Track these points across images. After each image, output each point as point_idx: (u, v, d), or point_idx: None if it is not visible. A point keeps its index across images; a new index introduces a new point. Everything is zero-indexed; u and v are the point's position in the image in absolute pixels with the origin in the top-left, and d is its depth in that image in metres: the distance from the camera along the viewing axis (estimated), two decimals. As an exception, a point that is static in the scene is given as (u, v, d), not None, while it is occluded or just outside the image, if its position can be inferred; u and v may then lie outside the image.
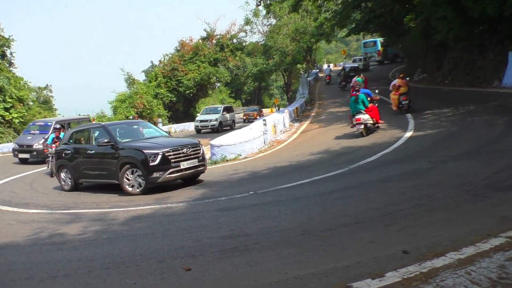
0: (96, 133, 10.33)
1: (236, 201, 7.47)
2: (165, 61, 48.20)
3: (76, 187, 10.60)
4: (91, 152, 10.12)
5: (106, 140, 9.67)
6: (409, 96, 15.25)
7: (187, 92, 44.69)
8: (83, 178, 10.54)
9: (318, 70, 53.17)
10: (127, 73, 45.40)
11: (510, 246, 3.45)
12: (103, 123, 11.91)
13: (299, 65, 48.17)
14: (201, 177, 10.50)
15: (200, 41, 48.58)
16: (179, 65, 45.45)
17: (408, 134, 11.58)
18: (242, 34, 51.90)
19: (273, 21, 51.73)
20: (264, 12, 49.77)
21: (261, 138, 15.72)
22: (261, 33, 54.16)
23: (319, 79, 45.49)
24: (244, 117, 39.41)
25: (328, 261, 3.97)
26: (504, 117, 11.17)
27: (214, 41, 48.84)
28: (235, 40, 50.50)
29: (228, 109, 31.40)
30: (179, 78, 44.66)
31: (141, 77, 56.04)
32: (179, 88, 44.70)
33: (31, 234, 6.67)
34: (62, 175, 10.87)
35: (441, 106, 15.40)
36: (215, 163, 13.58)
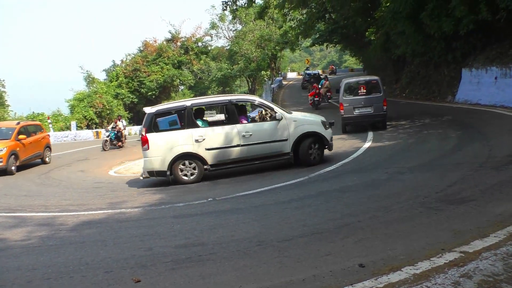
0: None
1: (194, 208, 7.26)
2: (127, 61, 47.00)
3: None
4: None
5: None
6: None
7: (149, 93, 43.73)
8: None
9: (282, 77, 53.67)
10: (87, 71, 43.86)
11: (464, 262, 3.48)
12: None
13: (263, 72, 48.52)
14: (159, 182, 10.19)
15: (165, 42, 47.79)
16: (141, 65, 44.48)
17: (367, 144, 11.77)
18: (208, 38, 51.71)
19: (239, 26, 51.85)
20: (230, 17, 49.89)
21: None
22: (226, 38, 54.14)
23: (283, 86, 45.85)
24: None
25: (284, 273, 3.86)
26: (457, 131, 11.61)
27: (178, 44, 48.23)
28: (200, 44, 50.15)
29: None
30: (141, 79, 43.65)
31: (101, 76, 54.34)
32: (141, 89, 43.69)
33: (-32, 240, 6.17)
34: None
35: (399, 118, 15.85)
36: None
